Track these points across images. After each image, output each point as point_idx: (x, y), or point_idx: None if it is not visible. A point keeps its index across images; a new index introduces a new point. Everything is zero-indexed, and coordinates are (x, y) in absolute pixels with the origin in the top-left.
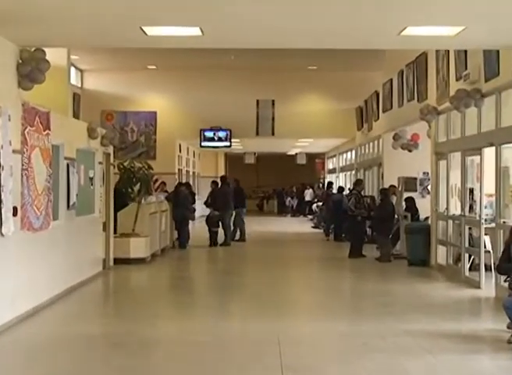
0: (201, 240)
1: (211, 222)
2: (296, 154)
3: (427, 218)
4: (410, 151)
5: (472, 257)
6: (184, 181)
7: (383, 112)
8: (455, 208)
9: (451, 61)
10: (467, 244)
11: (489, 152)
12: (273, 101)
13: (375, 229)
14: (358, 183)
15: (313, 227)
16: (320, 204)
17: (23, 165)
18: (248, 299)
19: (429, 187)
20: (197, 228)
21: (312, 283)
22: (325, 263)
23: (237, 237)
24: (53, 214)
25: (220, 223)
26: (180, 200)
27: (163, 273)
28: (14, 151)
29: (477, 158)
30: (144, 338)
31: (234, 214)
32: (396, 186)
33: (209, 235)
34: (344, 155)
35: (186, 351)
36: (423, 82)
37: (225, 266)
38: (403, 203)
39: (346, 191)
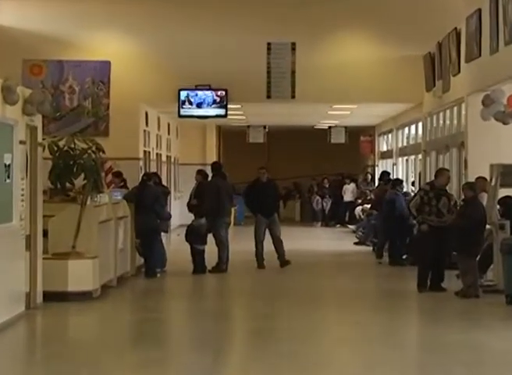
0: (180, 263)
1: (194, 235)
2: (330, 128)
3: None
4: (505, 123)
5: None
6: (152, 171)
7: (467, 61)
8: None
9: None
10: None
11: None
12: (293, 44)
13: (454, 246)
14: (438, 176)
15: (356, 244)
16: (367, 207)
17: None
18: (255, 356)
19: None
20: (175, 245)
21: (357, 332)
22: (377, 300)
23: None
24: None
25: (212, 237)
26: (148, 201)
27: (120, 316)
28: None
29: None
30: None
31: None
32: (488, 179)
33: (191, 257)
34: (405, 130)
35: None
36: None
37: (217, 304)
38: (498, 206)
39: (411, 188)
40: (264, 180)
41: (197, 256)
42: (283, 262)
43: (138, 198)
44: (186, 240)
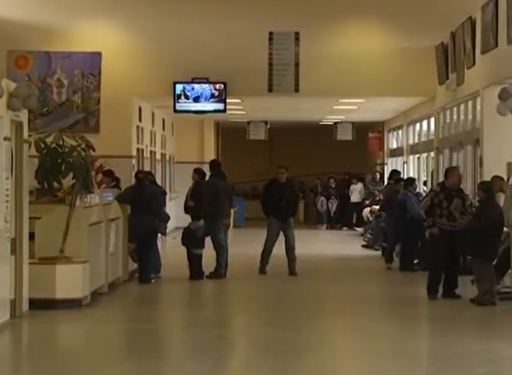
0: (176, 268)
1: (191, 239)
2: (336, 124)
3: None
4: None
5: None
6: (146, 170)
7: (482, 52)
8: None
9: None
10: None
11: None
12: (297, 34)
13: (468, 250)
14: (448, 175)
15: (364, 247)
16: (376, 208)
17: None
18: (256, 369)
19: None
20: (170, 249)
21: (365, 342)
22: (386, 309)
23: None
24: None
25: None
26: (146, 200)
27: (112, 325)
28: None
29: None
30: None
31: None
32: (505, 178)
33: (188, 261)
34: (416, 126)
35: None
36: None
37: (216, 313)
38: None
39: (422, 188)
40: (282, 180)
41: (194, 261)
42: (293, 271)
43: (135, 197)
44: (183, 243)
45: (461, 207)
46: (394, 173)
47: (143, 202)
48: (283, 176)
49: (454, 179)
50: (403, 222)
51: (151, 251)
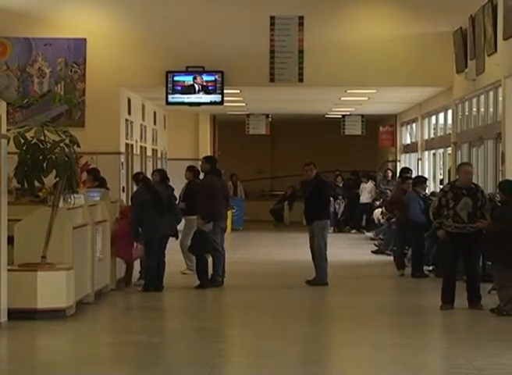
0: (167, 275)
1: (204, 243)
2: (344, 117)
3: None
4: None
5: None
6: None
7: (505, 38)
8: None
9: None
10: None
11: None
12: (301, 18)
13: (488, 255)
14: (458, 173)
15: (374, 253)
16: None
17: None
18: None
19: None
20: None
21: (374, 354)
22: (398, 319)
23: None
24: None
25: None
26: (169, 203)
27: (98, 338)
28: None
29: None
30: None
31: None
32: None
33: (197, 267)
34: (432, 120)
35: None
36: None
37: (213, 324)
38: None
39: (439, 187)
40: (310, 178)
41: (203, 267)
42: (314, 280)
43: (168, 197)
44: (192, 248)
45: (471, 208)
46: (403, 171)
47: (171, 203)
48: (310, 174)
49: (461, 177)
50: (406, 225)
51: (163, 255)
